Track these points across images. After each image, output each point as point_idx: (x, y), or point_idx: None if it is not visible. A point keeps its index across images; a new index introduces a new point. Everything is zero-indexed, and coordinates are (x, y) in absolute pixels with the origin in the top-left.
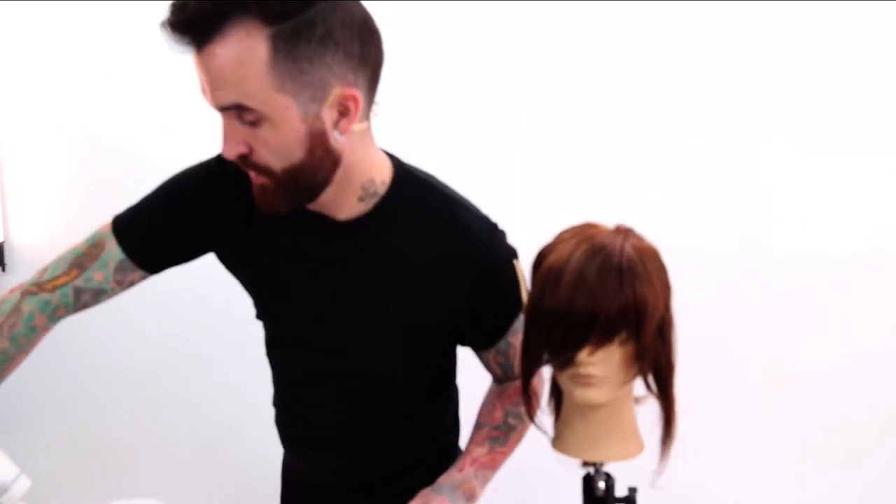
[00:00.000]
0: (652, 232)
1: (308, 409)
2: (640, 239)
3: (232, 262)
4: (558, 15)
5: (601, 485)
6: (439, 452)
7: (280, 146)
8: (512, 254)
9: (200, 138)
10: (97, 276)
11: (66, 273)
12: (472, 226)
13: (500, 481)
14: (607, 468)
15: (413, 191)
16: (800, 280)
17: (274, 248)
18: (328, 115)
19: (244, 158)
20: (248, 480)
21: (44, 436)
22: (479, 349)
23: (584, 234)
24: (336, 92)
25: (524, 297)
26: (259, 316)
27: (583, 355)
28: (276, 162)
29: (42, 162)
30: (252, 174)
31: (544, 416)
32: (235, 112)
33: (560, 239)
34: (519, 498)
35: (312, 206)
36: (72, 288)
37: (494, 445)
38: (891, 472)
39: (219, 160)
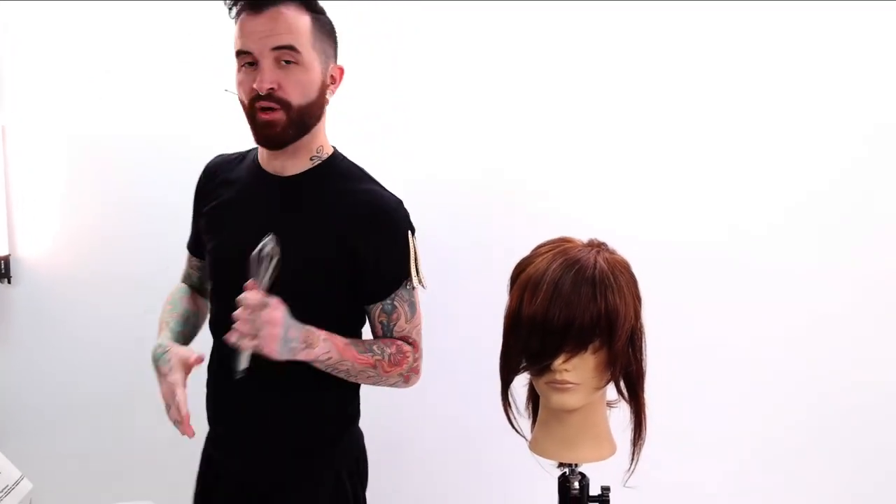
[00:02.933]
0: (628, 238)
1: (223, 371)
2: (612, 252)
3: (206, 226)
4: (553, 16)
5: (576, 484)
6: (339, 428)
7: (306, 84)
8: (409, 226)
9: (199, 157)
10: (185, 266)
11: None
12: (384, 196)
13: (479, 482)
14: (582, 469)
15: (345, 164)
16: (775, 285)
17: (235, 207)
18: (328, 77)
19: (271, 94)
20: None
21: (45, 439)
22: (370, 302)
23: (560, 248)
24: (333, 63)
25: (413, 271)
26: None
27: (558, 362)
28: (297, 97)
29: (46, 179)
30: (267, 113)
31: (522, 419)
32: (280, 53)
33: (536, 252)
34: (497, 498)
35: (269, 167)
36: (184, 277)
37: (352, 345)
38: (869, 472)
39: (205, 166)
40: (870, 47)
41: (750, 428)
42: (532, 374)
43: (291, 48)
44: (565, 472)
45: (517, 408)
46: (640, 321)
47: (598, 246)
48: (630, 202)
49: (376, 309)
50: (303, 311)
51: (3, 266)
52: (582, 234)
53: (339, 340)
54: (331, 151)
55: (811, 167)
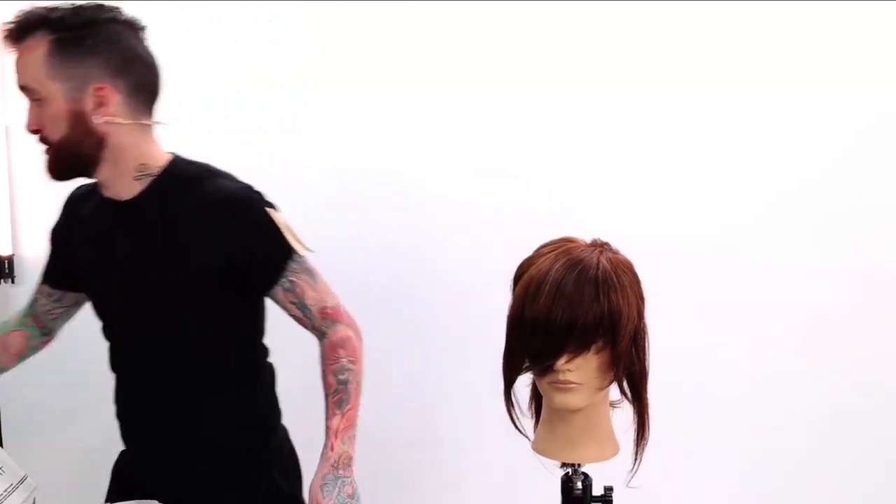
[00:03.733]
0: (628, 237)
1: (124, 391)
2: (615, 252)
3: (79, 264)
4: (555, 16)
5: (579, 485)
6: (263, 433)
7: (52, 119)
8: (265, 204)
9: (201, 156)
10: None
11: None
12: (229, 187)
13: (482, 482)
14: (585, 469)
15: (183, 170)
16: (776, 283)
17: (88, 238)
18: (89, 102)
19: (39, 134)
20: None
21: (49, 438)
22: (266, 289)
23: (563, 248)
24: (93, 84)
25: (292, 242)
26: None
27: (561, 362)
28: (53, 134)
29: (49, 179)
30: (45, 154)
31: (525, 419)
32: (28, 94)
33: (539, 253)
34: (500, 498)
35: (107, 193)
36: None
37: (343, 408)
38: (871, 470)
39: (67, 198)
40: (866, 41)
41: (753, 427)
42: (535, 375)
43: (26, 88)
44: (568, 473)
45: (520, 408)
46: (643, 321)
47: (600, 246)
48: (631, 202)
49: (278, 293)
50: (190, 333)
51: (6, 265)
52: (584, 234)
53: (339, 424)
54: (162, 162)
55: (811, 165)
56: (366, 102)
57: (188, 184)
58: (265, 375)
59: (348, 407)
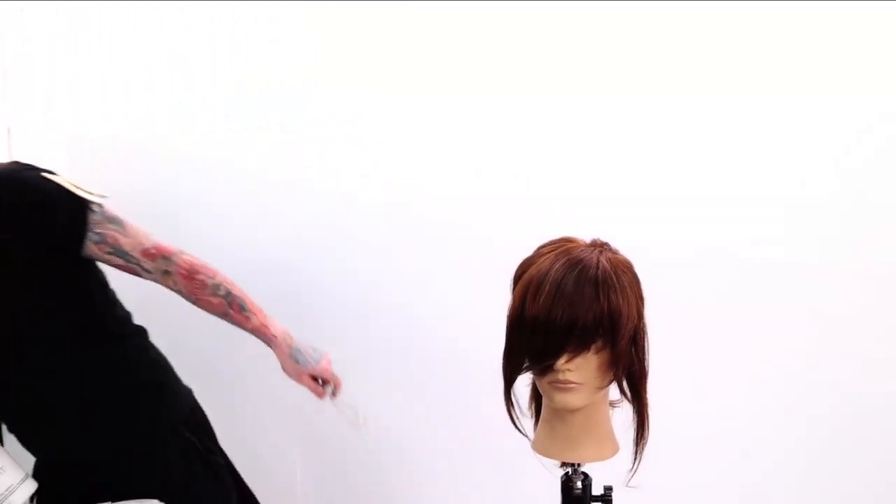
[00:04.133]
0: (630, 239)
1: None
2: (614, 252)
3: None
4: (555, 17)
5: (579, 484)
6: (147, 401)
7: None
8: (33, 170)
9: (203, 157)
10: None
11: None
12: None
13: (482, 482)
14: (584, 469)
15: None
16: (776, 283)
17: None
18: None
19: None
20: (246, 481)
21: None
22: (79, 251)
23: (563, 248)
24: None
25: (81, 195)
26: None
27: (561, 362)
28: None
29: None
30: None
31: (525, 419)
32: None
33: (539, 253)
34: (500, 498)
35: None
36: None
37: (247, 308)
38: (875, 473)
39: None
40: (869, 41)
41: (753, 428)
42: (535, 374)
43: None
44: (568, 472)
45: (520, 407)
46: (642, 321)
47: (600, 246)
48: (631, 202)
49: (93, 250)
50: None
51: None
52: (584, 234)
53: (263, 321)
54: None
55: (813, 166)
56: (366, 102)
57: None
58: (128, 347)
59: (250, 304)
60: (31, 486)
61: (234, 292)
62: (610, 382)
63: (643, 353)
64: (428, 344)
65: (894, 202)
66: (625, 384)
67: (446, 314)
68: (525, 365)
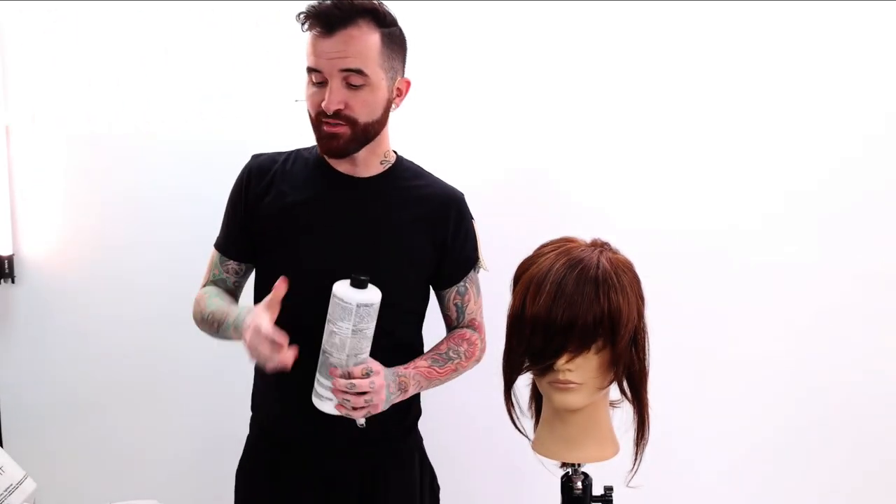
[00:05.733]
0: (631, 239)
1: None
2: (615, 252)
3: (272, 227)
4: (562, 18)
5: (579, 484)
6: (417, 409)
7: (372, 104)
8: (471, 215)
9: (204, 157)
10: (216, 271)
11: (206, 278)
12: (453, 188)
13: (482, 482)
14: (585, 469)
15: (410, 164)
16: (775, 282)
17: (308, 202)
18: (394, 91)
19: (338, 112)
20: None
21: (49, 439)
22: (446, 286)
23: (563, 248)
24: (400, 77)
25: (480, 255)
26: (267, 274)
27: (561, 362)
28: (364, 116)
29: (51, 178)
30: (332, 127)
31: (525, 419)
32: (348, 76)
33: (539, 252)
34: (500, 498)
35: (344, 169)
36: (212, 281)
37: (433, 364)
38: (869, 472)
39: (248, 165)
40: (865, 40)
41: (754, 427)
42: (535, 374)
43: (360, 72)
44: (568, 472)
45: (520, 407)
46: (643, 321)
47: (601, 246)
48: (631, 202)
49: (451, 292)
50: (392, 301)
51: (6, 265)
52: (586, 233)
53: (423, 367)
54: (393, 155)
55: (814, 166)
56: None
57: (418, 176)
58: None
59: (437, 369)
60: (31, 486)
61: (450, 363)
62: (610, 382)
63: (644, 353)
64: (428, 344)
65: (894, 202)
66: (625, 384)
67: None
68: (525, 365)
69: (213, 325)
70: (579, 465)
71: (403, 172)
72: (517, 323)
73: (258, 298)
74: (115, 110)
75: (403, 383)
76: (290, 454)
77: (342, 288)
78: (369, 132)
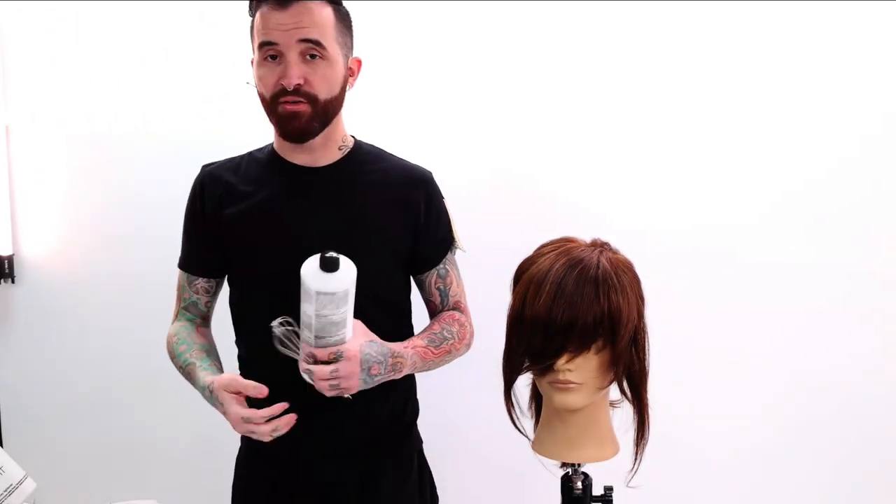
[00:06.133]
0: (630, 238)
1: (290, 379)
2: (615, 252)
3: (234, 233)
4: (557, 17)
5: (579, 484)
6: (415, 407)
7: (331, 79)
8: (441, 193)
9: (203, 156)
10: (185, 294)
11: (176, 305)
12: (419, 167)
13: (482, 482)
14: (585, 469)
15: (369, 147)
16: (779, 286)
17: (268, 202)
18: (347, 70)
19: (298, 88)
20: None
21: (49, 439)
22: (424, 269)
23: (563, 248)
24: (351, 55)
25: (456, 235)
26: (240, 283)
27: (561, 362)
28: (324, 92)
29: (50, 178)
30: (293, 105)
31: (525, 419)
32: (306, 48)
33: (539, 252)
34: (500, 498)
35: (301, 160)
36: (183, 308)
37: (430, 345)
38: (868, 472)
39: (200, 176)
40: (864, 40)
41: (753, 427)
42: (535, 374)
43: (317, 43)
44: (568, 472)
45: (520, 408)
46: (643, 321)
47: (601, 246)
48: (631, 202)
49: (432, 276)
50: (370, 292)
51: (6, 265)
52: (584, 234)
53: (420, 345)
54: (350, 140)
55: (813, 165)
56: (365, 102)
57: (380, 159)
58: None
59: (433, 349)
60: (31, 486)
61: (445, 343)
62: (610, 383)
63: (644, 353)
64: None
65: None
66: (625, 384)
67: None
68: (525, 365)
69: (187, 377)
70: (579, 465)
71: (364, 156)
72: (517, 323)
73: (235, 312)
74: (115, 110)
75: (398, 364)
76: (286, 462)
77: (308, 269)
78: (328, 111)
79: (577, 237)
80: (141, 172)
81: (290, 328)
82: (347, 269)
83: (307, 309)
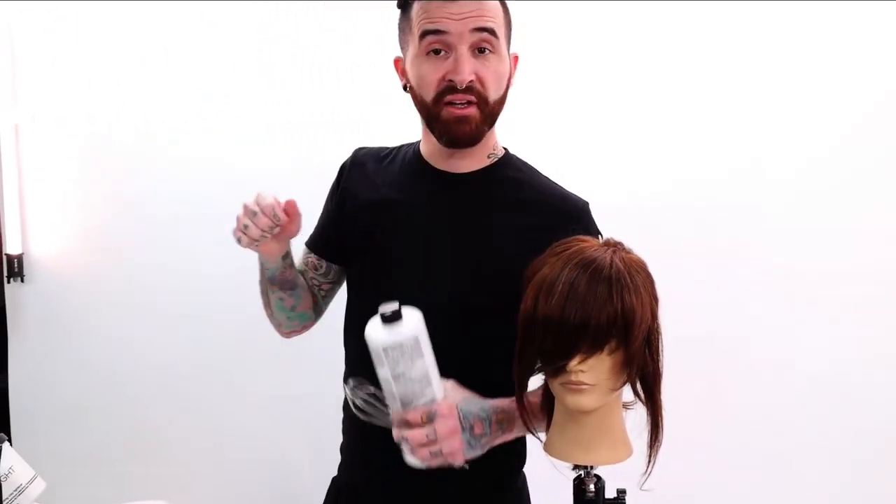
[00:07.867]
0: (638, 238)
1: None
2: (628, 252)
3: (364, 230)
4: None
5: (591, 487)
6: (523, 453)
7: (501, 76)
8: (598, 230)
9: (213, 156)
10: (299, 263)
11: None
12: (573, 194)
13: None
14: (597, 471)
15: (521, 163)
16: (794, 287)
17: (405, 207)
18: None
19: (471, 86)
20: (255, 482)
21: (58, 438)
22: None
23: (575, 248)
24: (513, 54)
25: None
26: (366, 284)
27: (574, 363)
28: (493, 92)
29: (60, 177)
30: (461, 108)
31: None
32: (480, 39)
33: (551, 252)
34: None
35: (441, 165)
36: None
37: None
38: (882, 475)
39: (347, 159)
40: (865, 39)
41: (769, 429)
42: (547, 375)
43: (493, 32)
44: (580, 475)
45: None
46: (656, 321)
47: (614, 246)
48: (633, 203)
49: None
50: (483, 334)
51: (16, 264)
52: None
53: (508, 407)
54: (503, 150)
55: (814, 165)
56: (365, 101)
57: (524, 172)
58: None
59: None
60: (40, 486)
61: None
62: (623, 384)
63: (657, 354)
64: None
65: None
66: (638, 386)
67: None
68: (537, 366)
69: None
70: (592, 467)
71: (508, 167)
72: (529, 323)
73: (350, 316)
74: (119, 110)
75: (504, 421)
76: None
77: (370, 329)
78: (495, 114)
79: (590, 238)
80: (150, 172)
81: (369, 392)
82: (410, 316)
83: (383, 374)
